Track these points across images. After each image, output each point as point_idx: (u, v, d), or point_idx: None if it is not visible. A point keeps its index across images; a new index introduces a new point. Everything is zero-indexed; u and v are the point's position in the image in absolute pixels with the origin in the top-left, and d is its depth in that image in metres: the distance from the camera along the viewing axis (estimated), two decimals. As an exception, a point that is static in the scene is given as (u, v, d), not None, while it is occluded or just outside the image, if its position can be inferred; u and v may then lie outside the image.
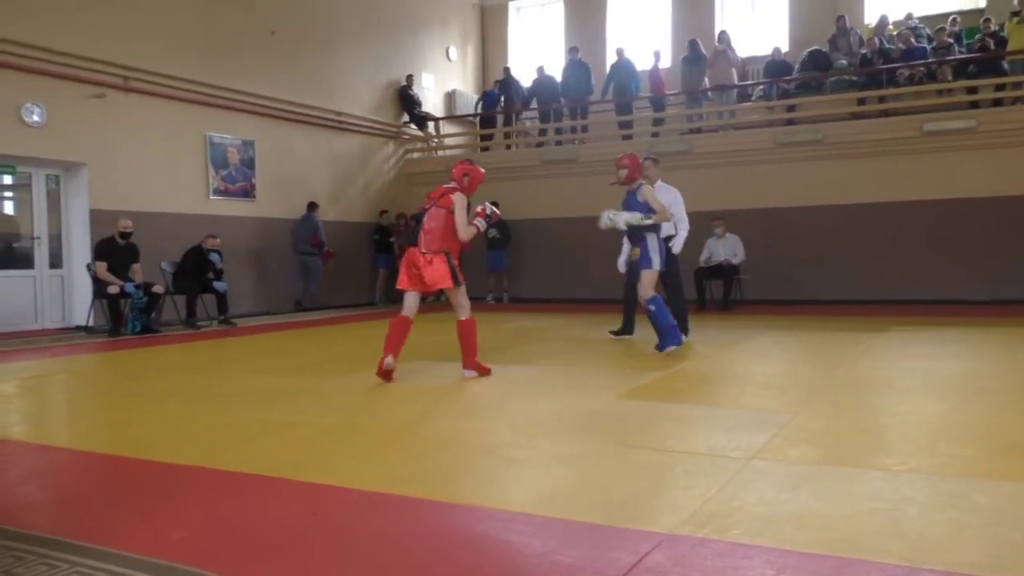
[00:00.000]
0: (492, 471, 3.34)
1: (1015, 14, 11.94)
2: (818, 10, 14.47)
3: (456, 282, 5.45)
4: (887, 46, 12.67)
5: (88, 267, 9.69)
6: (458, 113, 16.56)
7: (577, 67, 14.51)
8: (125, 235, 9.37)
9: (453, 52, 16.90)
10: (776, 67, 13.41)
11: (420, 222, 5.54)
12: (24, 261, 10.07)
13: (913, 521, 2.53)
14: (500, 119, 15.92)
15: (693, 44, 13.78)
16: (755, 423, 3.95)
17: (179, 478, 3.24)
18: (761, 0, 15.76)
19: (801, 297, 11.96)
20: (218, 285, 10.27)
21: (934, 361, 6.06)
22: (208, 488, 3.10)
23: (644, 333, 7.60)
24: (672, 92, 14.24)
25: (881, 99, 12.33)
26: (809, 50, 13.32)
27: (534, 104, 15.19)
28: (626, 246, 7.72)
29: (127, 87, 10.50)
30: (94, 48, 10.07)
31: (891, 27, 13.41)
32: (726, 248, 11.39)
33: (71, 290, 10.33)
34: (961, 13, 13.55)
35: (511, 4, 17.85)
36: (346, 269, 13.73)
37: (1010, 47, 11.79)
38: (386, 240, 14.10)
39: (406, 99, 15.22)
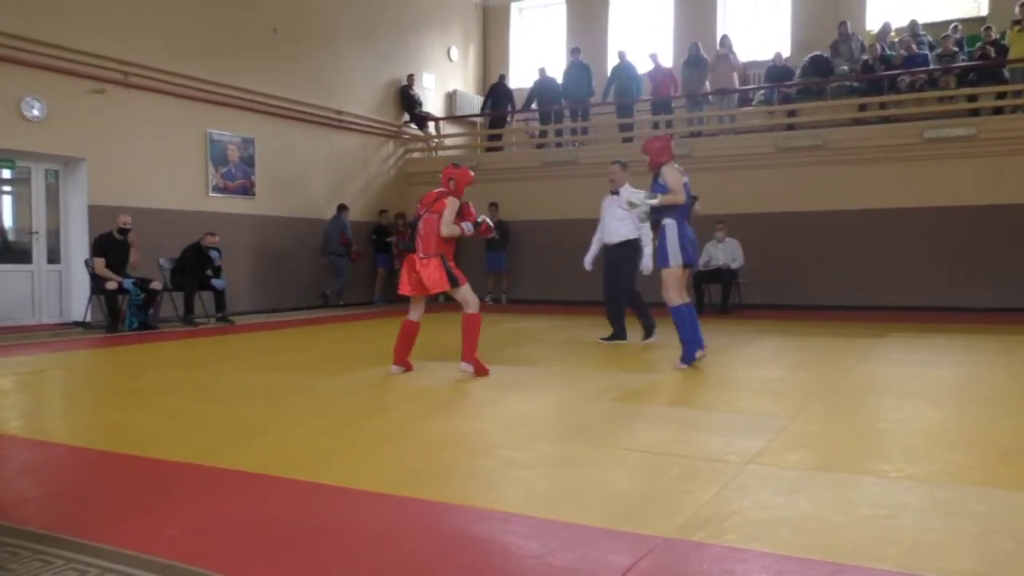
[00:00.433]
0: (489, 472, 3.33)
1: (1016, 22, 11.95)
2: (820, 16, 14.49)
3: (454, 283, 5.52)
4: (888, 53, 12.69)
5: (86, 263, 9.68)
6: (459, 113, 16.57)
7: (578, 68, 14.51)
8: (124, 231, 9.36)
9: (454, 52, 16.90)
10: (777, 72, 13.43)
11: (416, 228, 5.67)
12: (22, 256, 10.06)
13: (909, 528, 2.53)
14: (487, 121, 15.88)
15: (694, 48, 13.81)
16: (752, 427, 3.95)
17: (176, 475, 3.23)
18: (763, 5, 15.79)
19: (800, 302, 11.97)
20: (216, 283, 10.26)
21: (933, 368, 6.06)
22: (205, 486, 3.09)
23: (641, 334, 7.61)
24: (673, 96, 14.24)
25: (882, 105, 12.35)
26: (811, 55, 13.34)
27: (534, 105, 15.20)
28: (595, 245, 7.69)
29: (127, 83, 10.49)
30: (95, 43, 10.06)
31: (893, 34, 13.42)
32: (725, 252, 11.41)
33: (69, 285, 10.31)
34: (962, 21, 13.55)
35: (513, 5, 17.86)
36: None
37: (1011, 55, 11.80)
38: (384, 240, 14.10)
39: (407, 99, 15.22)
